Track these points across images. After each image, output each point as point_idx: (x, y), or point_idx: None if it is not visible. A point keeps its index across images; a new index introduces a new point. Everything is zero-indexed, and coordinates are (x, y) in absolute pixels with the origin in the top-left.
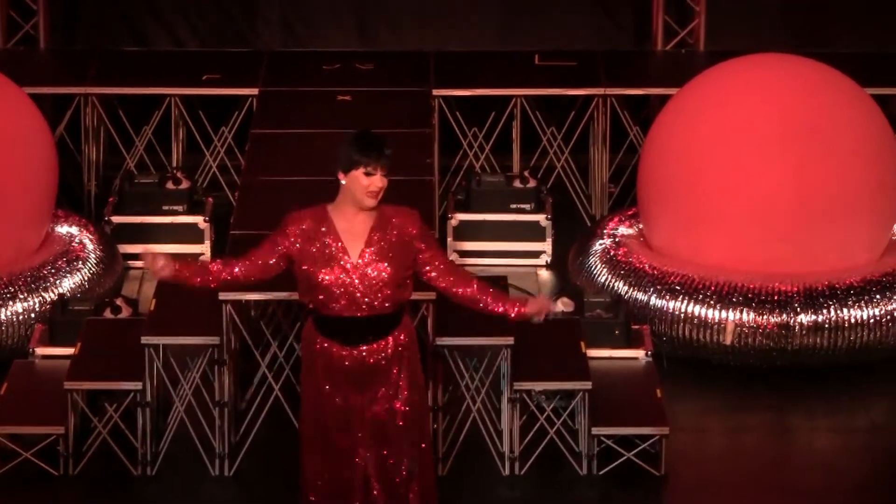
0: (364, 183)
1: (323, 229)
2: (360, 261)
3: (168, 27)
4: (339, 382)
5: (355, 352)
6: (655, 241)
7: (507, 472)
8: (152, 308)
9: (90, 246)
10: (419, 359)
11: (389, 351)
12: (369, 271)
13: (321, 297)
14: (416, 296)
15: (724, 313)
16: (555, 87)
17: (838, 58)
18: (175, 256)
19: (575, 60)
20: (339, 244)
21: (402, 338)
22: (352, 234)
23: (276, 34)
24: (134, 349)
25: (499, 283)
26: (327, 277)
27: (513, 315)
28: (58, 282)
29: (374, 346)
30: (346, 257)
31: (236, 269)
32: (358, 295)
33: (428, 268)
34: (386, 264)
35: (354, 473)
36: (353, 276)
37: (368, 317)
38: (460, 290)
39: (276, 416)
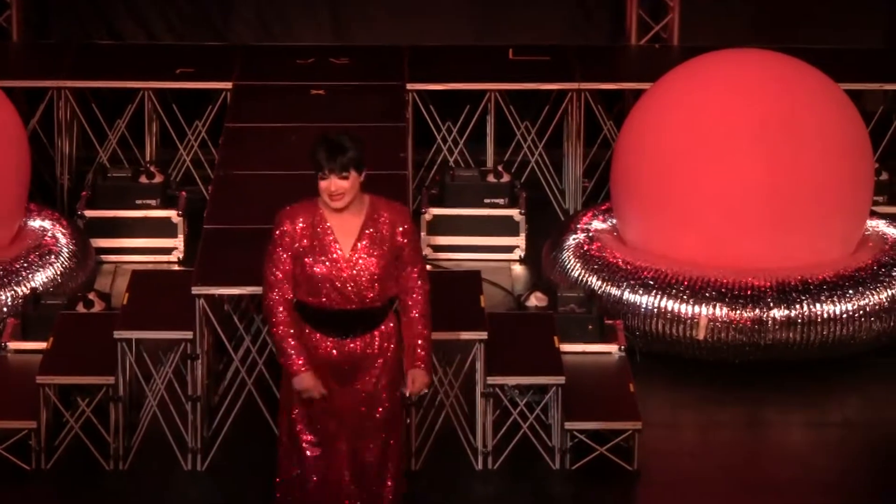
0: (321, 186)
1: (315, 223)
2: (351, 254)
3: (142, 21)
4: (324, 374)
5: (344, 344)
6: (629, 236)
7: (480, 466)
8: (125, 302)
9: (63, 240)
10: (399, 353)
11: (376, 344)
12: (360, 265)
13: (311, 289)
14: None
15: (697, 308)
16: (529, 81)
17: (812, 53)
18: (147, 251)
19: (549, 55)
20: (331, 238)
21: (387, 332)
22: (343, 228)
23: (250, 28)
24: (106, 343)
25: (472, 280)
26: (319, 271)
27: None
28: (30, 276)
29: (362, 339)
30: (337, 251)
31: (290, 296)
32: (349, 288)
33: (400, 269)
34: (376, 258)
35: (333, 464)
36: (345, 270)
37: (358, 310)
38: (402, 299)
39: (249, 411)
